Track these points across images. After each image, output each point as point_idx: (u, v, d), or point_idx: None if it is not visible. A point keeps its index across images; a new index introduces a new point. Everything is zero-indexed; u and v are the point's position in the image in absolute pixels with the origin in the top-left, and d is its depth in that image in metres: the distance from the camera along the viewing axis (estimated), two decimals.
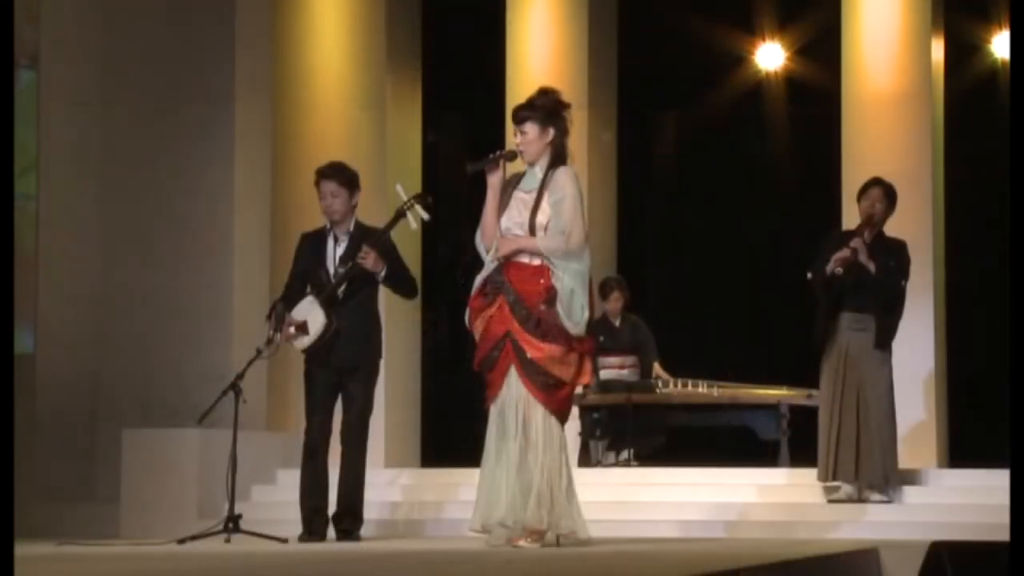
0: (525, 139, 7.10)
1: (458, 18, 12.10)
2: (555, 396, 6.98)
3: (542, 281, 6.95)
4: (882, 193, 8.98)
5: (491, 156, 7.16)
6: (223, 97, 10.68)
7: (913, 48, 10.49)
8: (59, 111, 10.98)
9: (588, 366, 7.12)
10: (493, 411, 7.05)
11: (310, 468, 8.21)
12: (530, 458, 6.94)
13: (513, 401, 6.98)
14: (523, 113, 7.14)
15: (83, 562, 6.50)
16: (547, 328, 6.93)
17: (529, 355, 6.94)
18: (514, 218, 7.07)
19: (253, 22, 10.91)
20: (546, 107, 7.12)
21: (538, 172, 7.11)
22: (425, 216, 8.08)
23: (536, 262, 6.99)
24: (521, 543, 6.91)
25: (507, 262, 7.03)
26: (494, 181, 7.13)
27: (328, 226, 8.29)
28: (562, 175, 7.07)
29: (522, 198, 7.10)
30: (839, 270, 8.76)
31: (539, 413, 6.96)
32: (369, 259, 8.00)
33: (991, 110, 11.49)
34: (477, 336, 7.12)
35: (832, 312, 8.87)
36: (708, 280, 12.12)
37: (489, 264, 7.11)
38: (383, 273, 8.10)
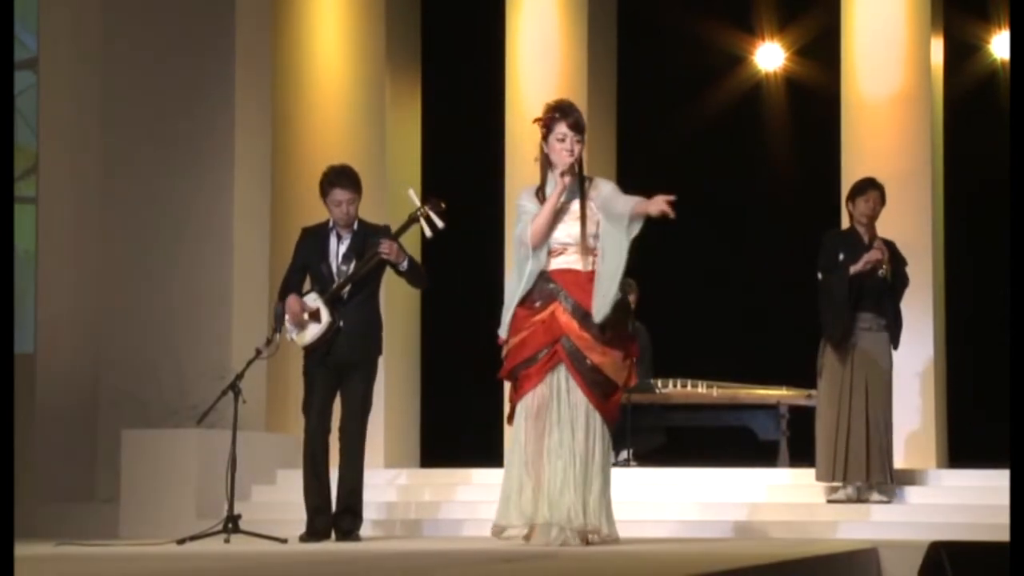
0: (579, 148, 7.12)
1: (458, 18, 12.09)
2: (610, 402, 7.09)
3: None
4: (880, 196, 9.03)
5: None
6: (223, 98, 10.67)
7: (913, 49, 10.49)
8: (59, 114, 10.99)
9: (634, 370, 7.21)
10: (525, 411, 7.04)
11: (310, 468, 8.21)
12: (598, 465, 7.02)
13: (568, 407, 7.00)
14: (583, 124, 7.18)
15: (82, 562, 6.49)
16: (614, 334, 7.02)
17: (591, 361, 6.99)
18: (568, 232, 7.09)
19: (253, 23, 10.91)
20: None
21: (567, 183, 7.10)
22: (440, 224, 8.02)
23: (589, 268, 7.04)
24: (577, 541, 6.96)
25: (556, 269, 7.06)
26: (562, 187, 7.10)
27: (331, 223, 8.27)
28: (599, 181, 7.20)
29: (571, 211, 7.13)
30: (883, 270, 8.81)
31: (597, 420, 7.03)
32: (393, 251, 8.00)
33: (990, 110, 11.48)
34: (512, 343, 7.11)
35: (852, 310, 8.90)
36: (707, 280, 12.10)
37: (527, 267, 7.06)
38: (405, 265, 8.10)
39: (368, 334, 8.20)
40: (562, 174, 7.05)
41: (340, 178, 8.20)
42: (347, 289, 8.12)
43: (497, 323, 7.27)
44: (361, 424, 8.18)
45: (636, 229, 7.02)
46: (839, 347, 8.91)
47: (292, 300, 8.11)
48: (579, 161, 7.13)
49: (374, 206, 9.96)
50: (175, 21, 10.79)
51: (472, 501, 9.61)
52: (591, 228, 7.05)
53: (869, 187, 9.06)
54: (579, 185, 7.11)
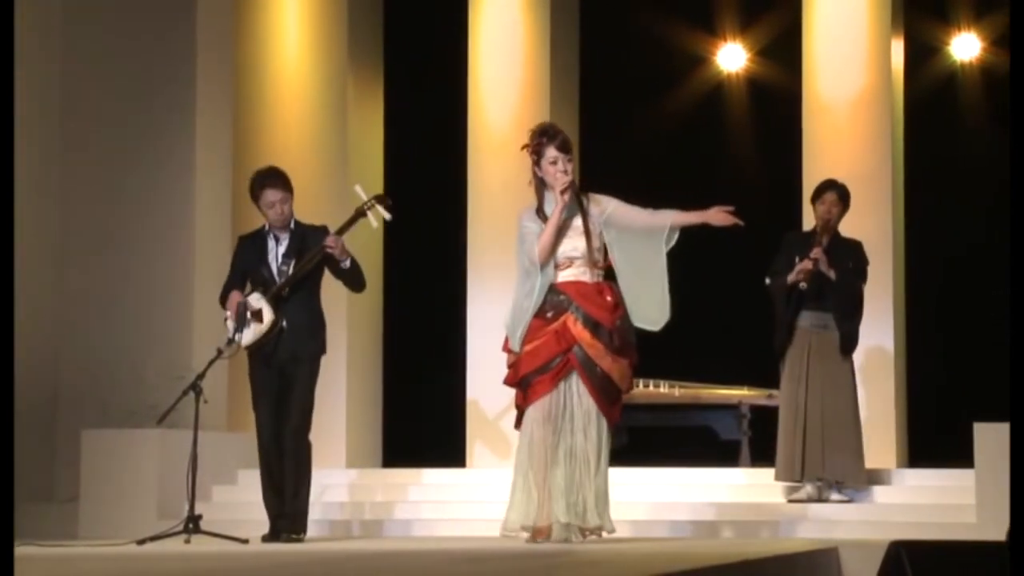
0: (571, 167, 7.43)
1: (420, 17, 12.07)
2: (615, 409, 7.41)
3: (609, 299, 7.35)
4: (837, 197, 9.06)
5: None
6: (184, 100, 10.64)
7: (873, 50, 10.53)
8: (18, 104, 10.90)
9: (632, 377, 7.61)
10: (539, 416, 7.27)
11: (267, 479, 8.22)
12: (603, 466, 7.32)
13: (580, 413, 7.29)
14: (571, 144, 7.49)
15: (42, 563, 6.46)
16: (622, 343, 7.37)
17: (601, 369, 7.30)
18: (574, 246, 7.39)
19: (214, 26, 10.87)
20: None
21: (567, 200, 7.37)
22: (387, 216, 8.12)
23: (595, 280, 7.39)
24: (580, 538, 7.28)
25: (564, 281, 7.36)
26: (562, 204, 7.38)
27: (267, 227, 8.25)
28: (599, 197, 7.50)
29: (574, 227, 7.42)
30: (803, 284, 8.84)
31: (603, 425, 7.33)
32: (338, 247, 8.02)
33: (950, 112, 11.54)
34: (524, 351, 7.33)
35: (791, 320, 8.94)
36: (669, 280, 12.11)
37: (537, 282, 7.32)
38: (348, 263, 8.11)
39: (312, 332, 8.19)
40: (562, 192, 7.34)
41: (270, 179, 8.19)
42: (287, 289, 8.11)
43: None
44: (305, 421, 8.16)
45: (674, 240, 7.49)
46: (791, 348, 8.95)
47: (234, 297, 8.11)
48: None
49: (334, 208, 9.93)
50: (136, 13, 10.75)
51: (433, 501, 9.61)
52: (595, 242, 7.40)
53: (825, 189, 9.10)
54: (577, 202, 7.41)
